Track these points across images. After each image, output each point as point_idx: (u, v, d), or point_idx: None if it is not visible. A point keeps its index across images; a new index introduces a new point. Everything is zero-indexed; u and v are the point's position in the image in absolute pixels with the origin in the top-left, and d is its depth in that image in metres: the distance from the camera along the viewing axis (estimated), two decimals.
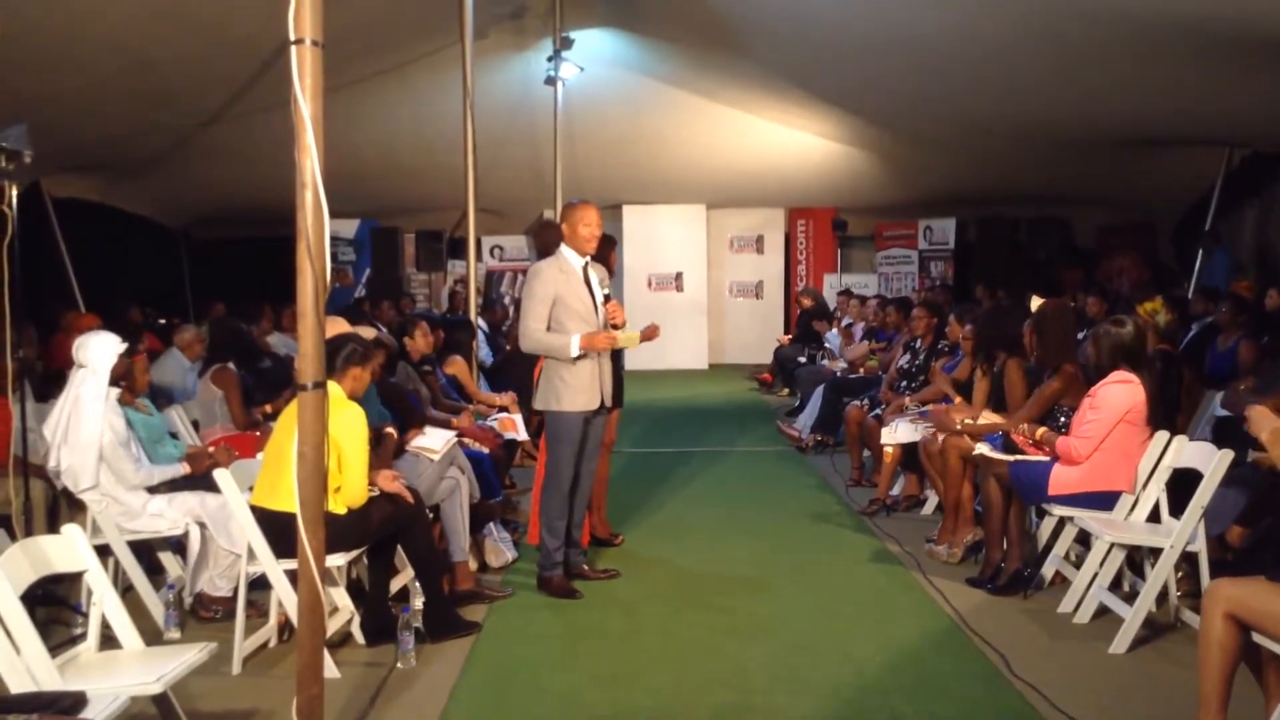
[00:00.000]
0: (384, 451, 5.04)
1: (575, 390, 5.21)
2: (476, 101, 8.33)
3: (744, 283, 17.42)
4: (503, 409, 7.43)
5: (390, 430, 5.26)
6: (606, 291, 5.36)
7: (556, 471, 5.32)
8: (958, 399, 6.61)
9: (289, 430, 4.32)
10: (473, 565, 5.39)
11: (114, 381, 4.97)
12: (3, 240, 4.72)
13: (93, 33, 7.61)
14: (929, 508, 6.90)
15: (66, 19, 7.23)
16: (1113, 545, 4.73)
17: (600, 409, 5.35)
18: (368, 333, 6.15)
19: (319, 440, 3.23)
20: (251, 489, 4.53)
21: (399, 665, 4.35)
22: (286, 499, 4.22)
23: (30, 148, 4.80)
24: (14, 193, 4.82)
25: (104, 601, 3.46)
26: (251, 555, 4.38)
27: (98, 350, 4.93)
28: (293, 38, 3.13)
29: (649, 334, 5.84)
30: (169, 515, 4.96)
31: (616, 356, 5.77)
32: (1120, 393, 4.90)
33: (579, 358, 5.16)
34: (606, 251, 5.78)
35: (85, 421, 4.81)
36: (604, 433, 5.72)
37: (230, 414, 6.37)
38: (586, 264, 5.30)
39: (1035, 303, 5.78)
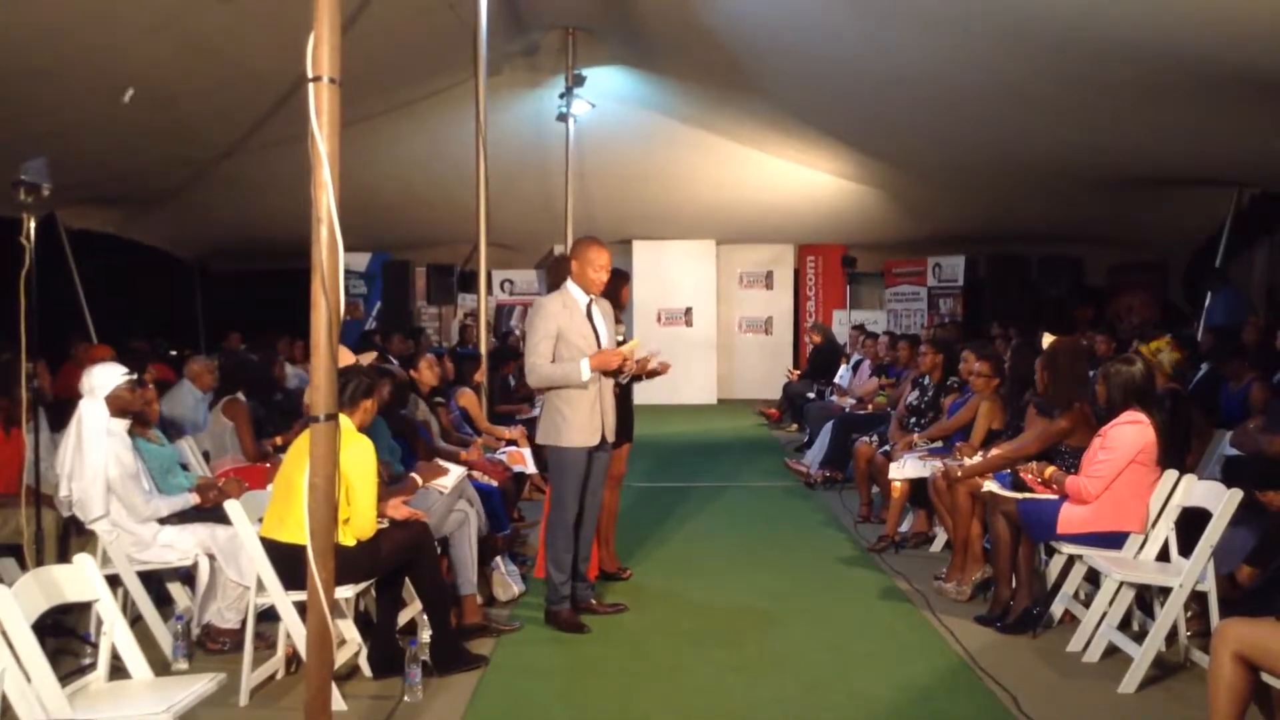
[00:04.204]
0: (403, 491, 5.03)
1: (574, 426, 5.21)
2: (489, 137, 8.43)
3: (753, 318, 17.46)
4: (511, 442, 7.44)
5: (415, 476, 5.25)
6: (621, 337, 5.36)
7: (560, 506, 5.31)
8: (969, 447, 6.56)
9: (297, 462, 4.34)
10: (480, 599, 5.39)
11: (122, 413, 5.00)
12: (20, 272, 4.77)
13: (114, 68, 7.72)
14: (938, 545, 6.87)
15: (89, 56, 7.34)
16: (1122, 584, 4.71)
17: (602, 444, 5.35)
18: (366, 357, 6.16)
19: (330, 472, 3.25)
20: (261, 520, 4.55)
21: (406, 698, 4.34)
22: (295, 531, 4.24)
23: (50, 181, 4.86)
24: (31, 225, 4.88)
25: (114, 631, 3.47)
26: (260, 587, 4.39)
27: (99, 379, 4.97)
28: (311, 75, 3.19)
29: (660, 369, 5.84)
30: (179, 546, 4.96)
31: (627, 391, 5.79)
32: (1131, 433, 4.89)
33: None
34: (619, 287, 5.81)
35: (90, 452, 4.83)
36: (612, 466, 5.72)
37: (241, 445, 6.39)
38: (591, 300, 5.32)
39: (1047, 340, 5.78)
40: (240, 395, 6.60)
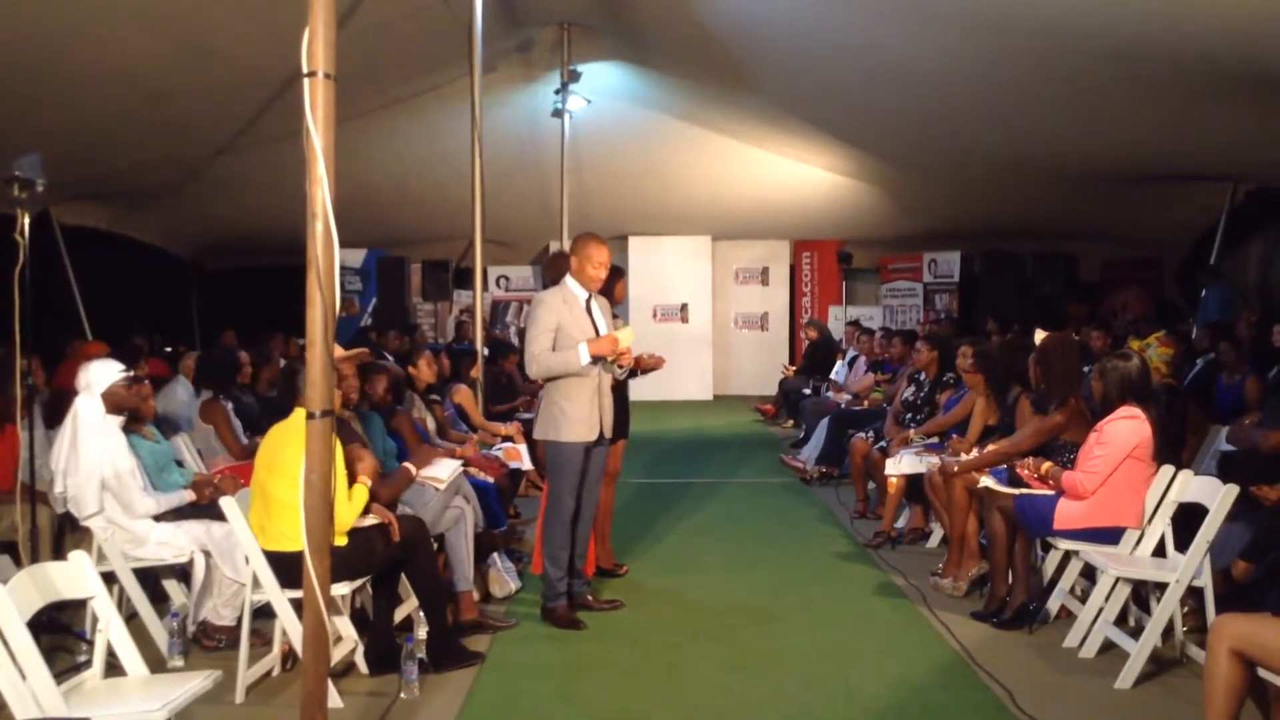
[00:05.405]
0: (396, 484, 5.00)
1: (574, 421, 5.22)
2: (485, 133, 8.42)
3: (749, 314, 17.46)
4: (507, 438, 7.44)
5: (409, 466, 5.23)
6: (620, 331, 5.35)
7: (557, 502, 5.32)
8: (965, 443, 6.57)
9: (267, 468, 4.34)
10: (476, 595, 5.38)
11: (118, 410, 4.99)
12: (14, 268, 4.76)
13: (111, 65, 7.71)
14: (934, 540, 6.88)
15: (87, 52, 7.32)
16: (1118, 579, 4.72)
17: (600, 439, 5.36)
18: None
19: (327, 469, 3.25)
20: None
21: (402, 695, 4.34)
22: (275, 538, 4.26)
23: (44, 177, 4.85)
24: (26, 221, 4.87)
25: (109, 628, 3.46)
26: (256, 584, 4.38)
27: (96, 375, 4.96)
28: (306, 70, 3.18)
29: (654, 364, 5.85)
30: (175, 543, 4.95)
31: (622, 387, 5.80)
32: (1127, 428, 4.89)
33: (592, 367, 5.18)
34: (613, 282, 5.81)
35: (85, 448, 4.82)
36: (608, 463, 5.73)
37: (225, 446, 6.34)
38: (590, 296, 5.34)
39: (1039, 336, 5.79)
40: (211, 393, 6.51)
